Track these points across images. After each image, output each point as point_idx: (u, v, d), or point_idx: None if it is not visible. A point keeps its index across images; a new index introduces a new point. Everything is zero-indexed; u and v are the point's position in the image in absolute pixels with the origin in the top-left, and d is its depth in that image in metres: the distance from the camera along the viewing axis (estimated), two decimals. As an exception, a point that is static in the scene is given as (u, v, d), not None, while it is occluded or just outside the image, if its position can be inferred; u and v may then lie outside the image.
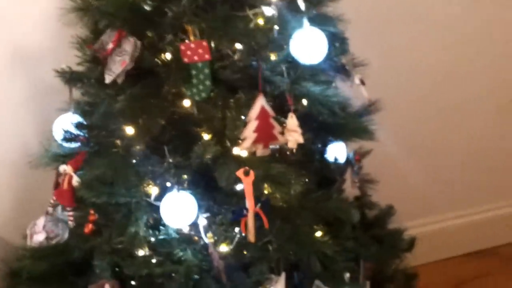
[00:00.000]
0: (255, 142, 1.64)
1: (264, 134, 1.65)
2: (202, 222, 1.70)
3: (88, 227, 1.74)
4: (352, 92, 1.84)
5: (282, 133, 1.67)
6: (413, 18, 2.59)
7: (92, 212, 1.75)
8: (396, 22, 2.54)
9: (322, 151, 1.88)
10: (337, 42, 1.78)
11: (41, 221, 1.90)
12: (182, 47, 1.56)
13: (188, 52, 1.56)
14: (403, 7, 2.55)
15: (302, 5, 1.61)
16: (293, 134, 1.68)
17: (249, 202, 1.64)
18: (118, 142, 1.66)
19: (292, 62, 1.65)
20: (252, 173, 1.62)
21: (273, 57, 1.63)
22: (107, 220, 1.74)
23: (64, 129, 1.72)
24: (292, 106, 1.66)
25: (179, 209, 1.65)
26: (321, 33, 1.63)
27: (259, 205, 1.65)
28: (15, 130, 2.21)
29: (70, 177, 1.72)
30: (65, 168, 1.73)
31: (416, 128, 2.77)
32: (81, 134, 1.70)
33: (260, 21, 1.54)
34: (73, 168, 1.72)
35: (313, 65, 1.66)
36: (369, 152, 2.04)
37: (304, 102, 1.69)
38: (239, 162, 1.63)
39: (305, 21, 1.62)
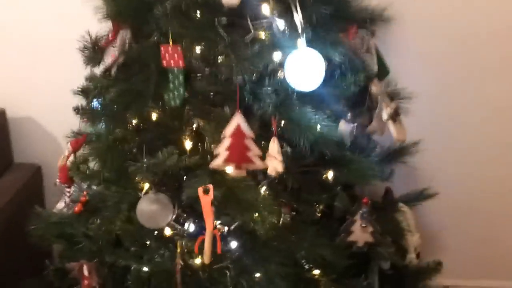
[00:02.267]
0: (227, 160, 1.53)
1: (237, 154, 1.52)
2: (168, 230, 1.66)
3: (78, 207, 1.78)
4: (350, 128, 1.61)
5: (262, 157, 1.54)
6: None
7: (85, 193, 1.79)
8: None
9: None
10: (351, 69, 1.56)
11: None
12: (162, 50, 1.50)
13: (167, 56, 1.50)
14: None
15: (299, 23, 1.44)
16: (272, 161, 1.53)
17: (207, 222, 1.55)
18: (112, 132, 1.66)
19: (282, 83, 1.49)
20: (211, 192, 1.52)
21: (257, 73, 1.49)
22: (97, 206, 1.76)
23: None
24: (276, 130, 1.52)
25: (154, 210, 1.62)
26: (319, 57, 1.46)
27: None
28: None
29: (69, 156, 1.76)
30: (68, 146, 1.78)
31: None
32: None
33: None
34: (72, 148, 1.76)
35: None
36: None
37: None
38: (212, 177, 1.55)
39: (301, 42, 1.45)
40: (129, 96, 1.56)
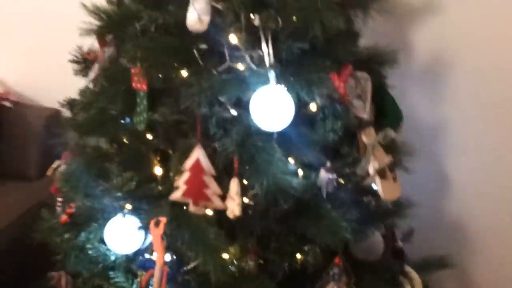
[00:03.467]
0: (185, 195, 1.44)
1: (195, 190, 1.43)
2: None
3: (63, 218, 1.76)
4: (326, 179, 1.44)
5: (224, 197, 1.43)
6: None
7: (72, 205, 1.77)
8: None
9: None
10: (333, 114, 1.40)
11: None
12: (132, 71, 1.44)
13: (135, 78, 1.44)
14: None
15: (266, 57, 1.32)
16: (231, 202, 1.42)
17: (157, 255, 1.46)
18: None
19: (246, 120, 1.37)
20: (162, 225, 1.43)
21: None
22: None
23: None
24: (237, 169, 1.40)
25: (121, 235, 1.57)
26: (287, 95, 1.33)
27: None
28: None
29: (59, 166, 1.76)
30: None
31: None
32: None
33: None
34: (64, 159, 1.76)
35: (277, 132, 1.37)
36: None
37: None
38: (173, 209, 1.47)
39: (271, 76, 1.33)
40: (103, 115, 1.53)
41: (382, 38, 2.17)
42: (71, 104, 1.67)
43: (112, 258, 1.64)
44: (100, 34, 1.51)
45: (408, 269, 1.77)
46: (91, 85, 1.57)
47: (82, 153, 1.64)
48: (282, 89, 1.34)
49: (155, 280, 1.48)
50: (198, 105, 1.36)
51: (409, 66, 2.18)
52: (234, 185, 1.41)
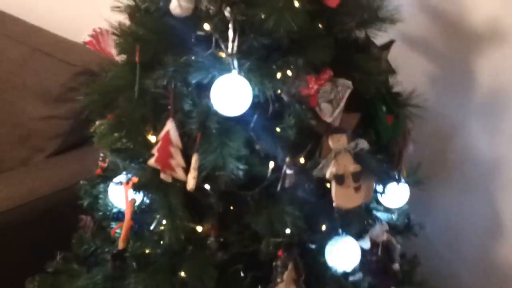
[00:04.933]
0: (156, 161, 1.59)
1: (163, 159, 1.57)
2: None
3: (97, 171, 2.01)
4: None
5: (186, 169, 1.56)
6: None
7: (106, 160, 2.01)
8: None
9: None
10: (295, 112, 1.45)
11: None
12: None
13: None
14: None
15: (230, 46, 1.43)
16: (189, 175, 1.54)
17: (125, 210, 1.64)
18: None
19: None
20: (132, 182, 1.61)
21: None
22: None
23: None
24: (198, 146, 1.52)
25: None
26: (246, 84, 1.42)
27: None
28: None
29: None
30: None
31: None
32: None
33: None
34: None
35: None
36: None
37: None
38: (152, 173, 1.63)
39: (233, 65, 1.43)
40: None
41: (445, 62, 2.12)
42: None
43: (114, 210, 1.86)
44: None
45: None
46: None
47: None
48: (241, 78, 1.43)
49: (123, 232, 1.67)
50: (168, 82, 1.52)
51: (469, 96, 2.10)
52: (193, 160, 1.54)
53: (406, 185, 1.80)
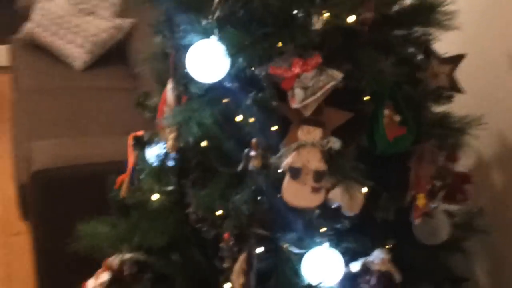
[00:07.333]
0: (157, 115, 1.67)
1: (159, 115, 1.66)
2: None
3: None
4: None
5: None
6: None
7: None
8: None
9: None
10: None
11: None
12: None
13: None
14: None
15: (212, 14, 1.40)
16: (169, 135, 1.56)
17: (129, 161, 1.71)
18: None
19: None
20: (130, 139, 1.69)
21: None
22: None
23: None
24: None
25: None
26: (221, 52, 1.39)
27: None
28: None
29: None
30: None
31: None
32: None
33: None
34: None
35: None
36: None
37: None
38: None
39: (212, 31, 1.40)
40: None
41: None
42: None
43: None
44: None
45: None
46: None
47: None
48: (218, 45, 1.40)
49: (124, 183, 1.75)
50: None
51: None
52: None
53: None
